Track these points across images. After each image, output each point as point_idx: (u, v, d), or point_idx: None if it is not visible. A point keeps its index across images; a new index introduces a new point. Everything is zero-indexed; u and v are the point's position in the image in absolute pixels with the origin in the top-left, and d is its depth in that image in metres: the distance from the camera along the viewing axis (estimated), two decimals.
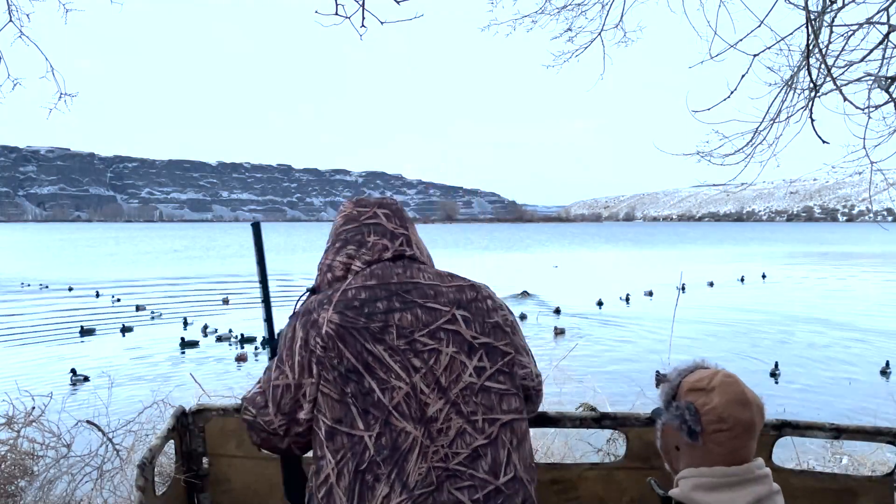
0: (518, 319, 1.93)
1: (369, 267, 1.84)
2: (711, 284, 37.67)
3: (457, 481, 1.65)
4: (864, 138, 4.43)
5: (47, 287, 39.42)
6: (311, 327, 1.74)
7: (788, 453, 4.46)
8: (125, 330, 23.86)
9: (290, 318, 1.83)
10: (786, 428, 2.76)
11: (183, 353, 20.69)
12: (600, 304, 29.46)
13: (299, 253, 79.87)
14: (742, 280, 40.81)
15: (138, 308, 29.13)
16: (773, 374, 16.39)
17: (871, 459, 4.16)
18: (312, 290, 1.92)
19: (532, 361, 1.90)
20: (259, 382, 1.88)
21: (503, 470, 1.68)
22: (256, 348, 20.57)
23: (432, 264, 1.96)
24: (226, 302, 31.81)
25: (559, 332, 21.43)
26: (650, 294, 32.46)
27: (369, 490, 1.63)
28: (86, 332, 23.61)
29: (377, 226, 1.89)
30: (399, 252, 1.87)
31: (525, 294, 32.86)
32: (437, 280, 1.83)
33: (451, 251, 79.39)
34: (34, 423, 3.95)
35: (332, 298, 1.77)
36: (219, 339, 22.18)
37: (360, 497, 1.63)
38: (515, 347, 1.83)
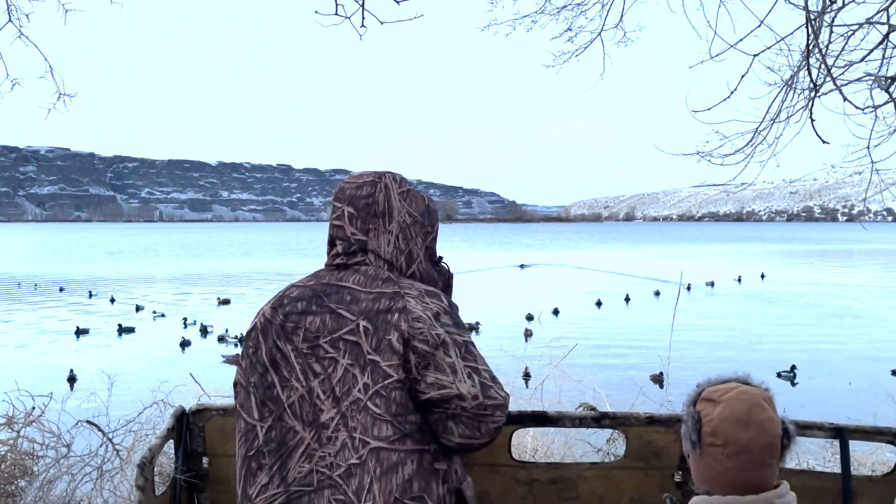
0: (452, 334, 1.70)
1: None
2: (712, 284, 37.68)
3: (336, 492, 1.65)
4: (869, 138, 4.44)
5: (62, 289, 39.39)
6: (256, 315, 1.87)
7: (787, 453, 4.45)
8: (125, 330, 23.86)
9: None
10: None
11: (185, 353, 20.72)
12: (599, 304, 29.48)
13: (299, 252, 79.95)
14: (739, 280, 40.82)
15: (138, 308, 29.16)
16: (780, 375, 16.41)
17: (870, 459, 4.16)
18: None
19: (463, 381, 1.66)
20: None
21: (364, 496, 1.63)
22: None
23: (406, 263, 1.84)
24: (226, 302, 31.81)
25: (528, 334, 21.48)
26: (657, 294, 32.41)
27: (252, 476, 1.72)
28: (81, 332, 23.63)
29: (339, 229, 1.84)
30: (349, 262, 1.80)
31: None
32: (365, 285, 1.74)
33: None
34: (34, 423, 3.95)
35: (279, 293, 1.85)
36: (220, 339, 22.19)
37: (244, 480, 1.74)
38: (421, 371, 1.66)
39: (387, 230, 1.82)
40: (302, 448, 1.69)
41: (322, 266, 1.89)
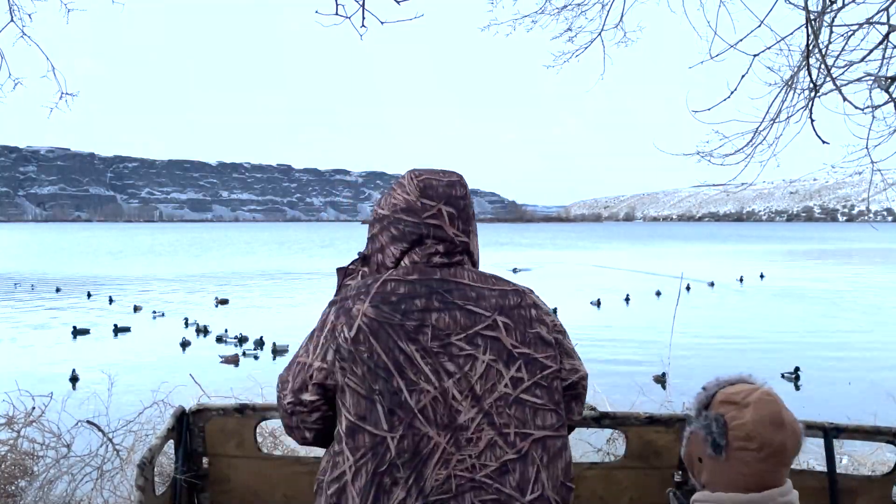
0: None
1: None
2: (712, 284, 37.68)
3: (481, 493, 1.60)
4: (868, 138, 4.43)
5: (58, 289, 39.39)
6: (343, 315, 1.68)
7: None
8: (121, 330, 23.88)
9: (331, 301, 1.77)
10: None
11: (185, 353, 20.72)
12: (598, 303, 29.50)
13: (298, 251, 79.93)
14: (741, 280, 40.82)
15: (136, 309, 29.17)
16: (784, 376, 16.43)
17: (871, 459, 4.17)
18: (363, 258, 1.89)
19: (582, 362, 1.82)
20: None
21: (530, 487, 1.62)
22: (254, 348, 20.60)
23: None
24: (224, 302, 31.82)
25: None
26: (658, 294, 32.44)
27: (386, 494, 1.59)
28: (79, 332, 23.64)
29: (437, 228, 1.76)
30: (452, 262, 1.77)
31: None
32: (481, 282, 1.74)
33: None
34: (34, 423, 3.95)
35: (370, 289, 1.70)
36: (218, 339, 22.20)
37: (376, 499, 1.59)
38: (561, 358, 1.75)
39: (475, 233, 1.84)
40: (438, 454, 1.60)
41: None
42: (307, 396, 1.70)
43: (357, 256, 1.92)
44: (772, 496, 1.55)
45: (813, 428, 2.72)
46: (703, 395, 1.65)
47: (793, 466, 3.54)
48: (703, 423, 1.60)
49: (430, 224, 1.76)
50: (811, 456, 4.79)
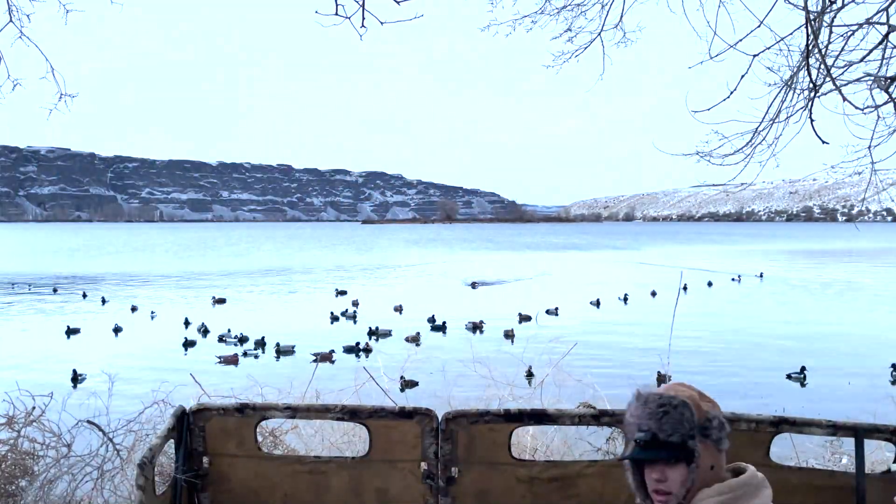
0: None
1: None
2: (710, 284, 37.70)
3: None
4: (870, 139, 4.43)
5: (55, 290, 39.36)
6: None
7: (788, 452, 4.46)
8: (118, 329, 23.90)
9: None
10: (783, 424, 2.76)
11: (186, 353, 20.71)
12: (598, 303, 29.49)
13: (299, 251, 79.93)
14: (738, 279, 40.85)
15: (133, 309, 29.16)
16: (790, 377, 16.44)
17: (870, 458, 4.16)
18: None
19: None
20: None
21: None
22: (255, 348, 20.59)
23: None
24: (221, 301, 31.80)
25: (510, 334, 21.50)
26: (654, 294, 32.47)
27: None
28: (71, 331, 23.67)
29: None
30: None
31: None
32: None
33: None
34: (35, 423, 3.95)
35: None
36: (220, 339, 22.20)
37: None
38: None
39: None
40: None
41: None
42: None
43: None
44: (754, 474, 1.69)
45: (844, 429, 2.73)
46: (679, 412, 1.64)
47: (820, 467, 3.52)
48: (715, 428, 1.66)
49: None
50: (811, 455, 4.79)
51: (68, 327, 23.96)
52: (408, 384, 11.25)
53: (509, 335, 21.50)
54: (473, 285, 39.59)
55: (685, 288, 32.53)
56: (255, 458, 2.93)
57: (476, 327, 23.23)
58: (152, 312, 28.06)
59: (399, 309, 28.70)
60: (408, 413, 2.88)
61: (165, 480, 2.97)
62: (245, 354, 19.79)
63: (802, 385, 16.09)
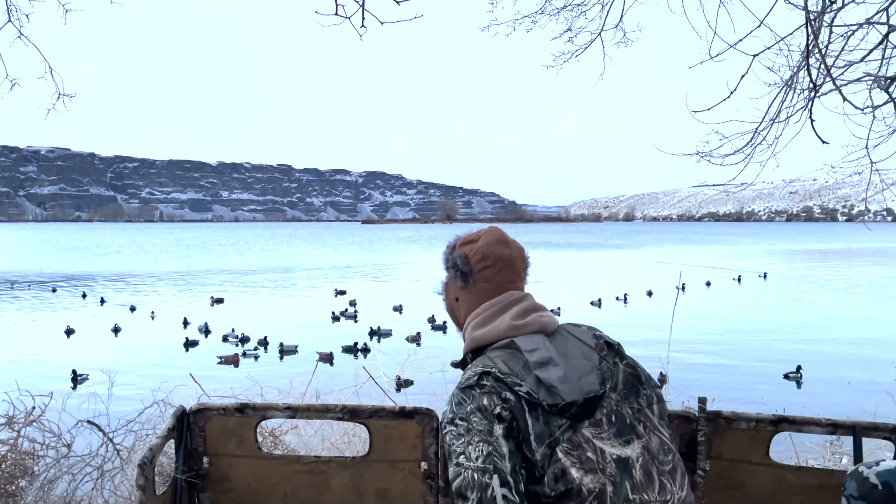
0: None
1: None
2: (709, 284, 37.70)
3: None
4: (868, 138, 4.43)
5: (54, 289, 39.38)
6: None
7: (787, 451, 4.46)
8: (116, 330, 23.90)
9: None
10: (783, 423, 2.77)
11: (187, 352, 20.72)
12: (599, 303, 29.51)
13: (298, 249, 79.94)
14: (739, 280, 40.86)
15: (132, 309, 29.16)
16: (787, 376, 16.44)
17: (869, 457, 4.16)
18: None
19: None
20: None
21: None
22: (256, 348, 20.58)
23: None
24: (219, 301, 31.78)
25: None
26: (650, 294, 32.49)
27: None
28: (70, 331, 23.68)
29: None
30: None
31: None
32: None
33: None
34: (35, 423, 3.96)
35: None
36: (224, 338, 22.20)
37: None
38: None
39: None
40: None
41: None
42: None
43: None
44: (509, 294, 1.81)
45: (843, 427, 2.73)
46: (446, 251, 1.92)
47: (819, 467, 3.52)
48: (450, 266, 1.88)
49: None
50: (811, 454, 4.79)
51: (68, 327, 23.97)
52: (404, 384, 11.26)
53: None
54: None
55: (683, 287, 32.57)
56: (255, 458, 2.93)
57: None
58: (152, 312, 28.06)
59: (399, 309, 28.71)
60: (408, 413, 2.88)
61: (165, 480, 2.97)
62: (245, 355, 19.79)
63: (799, 384, 16.10)
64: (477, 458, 1.58)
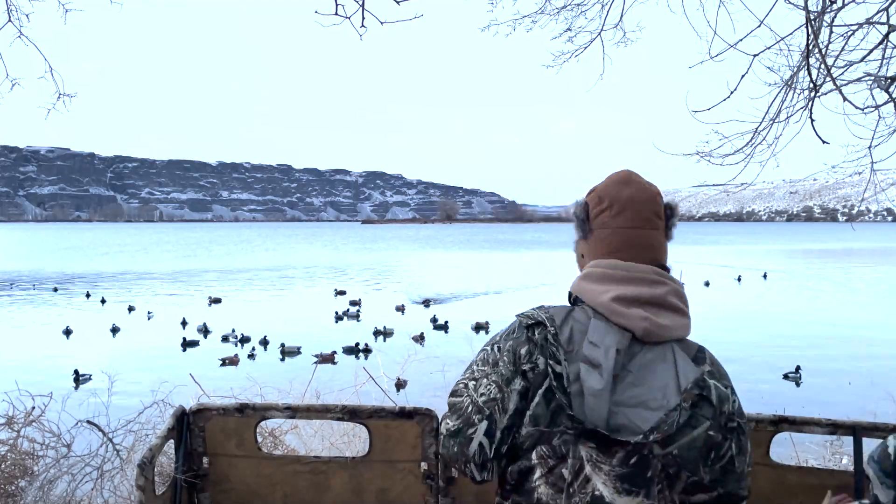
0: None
1: None
2: (708, 284, 37.71)
3: None
4: (870, 139, 4.43)
5: (55, 289, 39.39)
6: None
7: (788, 451, 4.46)
8: (115, 330, 23.92)
9: None
10: (783, 423, 2.77)
11: (185, 351, 20.71)
12: None
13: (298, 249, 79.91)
14: (739, 279, 40.87)
15: (130, 309, 29.15)
16: (786, 376, 16.45)
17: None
18: None
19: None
20: None
21: None
22: (254, 348, 20.56)
23: None
24: (217, 301, 31.77)
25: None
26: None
27: None
28: (69, 331, 23.69)
29: None
30: None
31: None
32: None
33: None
34: (34, 423, 3.95)
35: None
36: (224, 339, 22.19)
37: None
38: None
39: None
40: None
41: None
42: None
43: None
44: (645, 270, 1.56)
45: (843, 428, 2.73)
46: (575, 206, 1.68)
47: (819, 467, 3.52)
48: (575, 219, 1.65)
49: None
50: (811, 455, 4.79)
51: (67, 327, 23.97)
52: (401, 384, 11.27)
53: None
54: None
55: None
56: (255, 458, 2.93)
57: (480, 327, 23.19)
58: (149, 312, 28.03)
59: (401, 309, 28.70)
60: (408, 413, 2.88)
61: (165, 480, 2.97)
62: (250, 356, 19.74)
63: (798, 384, 16.10)
64: (481, 396, 1.52)
